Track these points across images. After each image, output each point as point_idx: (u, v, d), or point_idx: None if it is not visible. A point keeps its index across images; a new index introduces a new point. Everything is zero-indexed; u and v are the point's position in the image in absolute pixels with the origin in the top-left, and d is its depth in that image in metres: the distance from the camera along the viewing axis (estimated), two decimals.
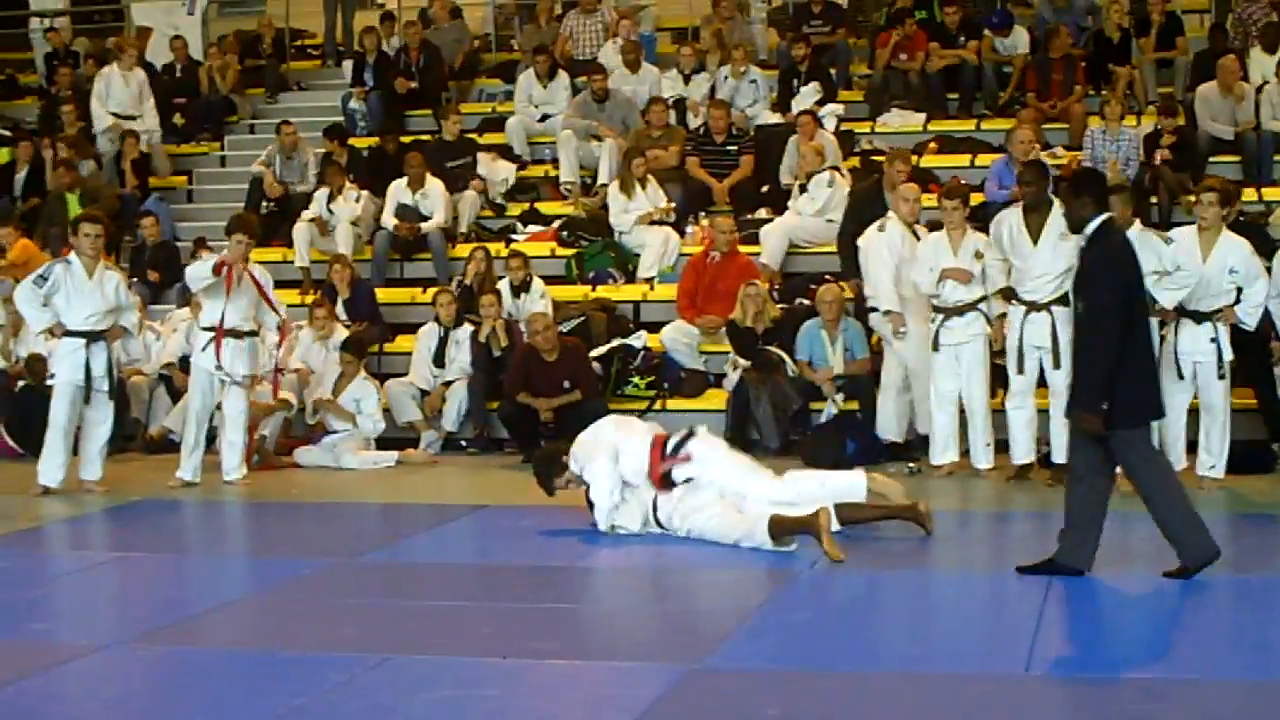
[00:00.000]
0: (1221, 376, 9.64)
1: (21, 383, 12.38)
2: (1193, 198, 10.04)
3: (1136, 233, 9.52)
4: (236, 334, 10.73)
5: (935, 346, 10.38)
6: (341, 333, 12.50)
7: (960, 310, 10.30)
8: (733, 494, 8.41)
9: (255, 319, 10.90)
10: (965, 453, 10.52)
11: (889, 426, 11.03)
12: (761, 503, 8.31)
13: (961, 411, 10.47)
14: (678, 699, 5.72)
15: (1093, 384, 7.19)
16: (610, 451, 8.63)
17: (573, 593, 7.59)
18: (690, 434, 8.63)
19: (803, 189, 13.33)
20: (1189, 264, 9.48)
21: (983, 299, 10.29)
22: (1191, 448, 9.90)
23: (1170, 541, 7.34)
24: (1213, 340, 9.63)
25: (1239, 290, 9.69)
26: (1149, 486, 7.39)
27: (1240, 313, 9.65)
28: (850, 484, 8.57)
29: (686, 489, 8.53)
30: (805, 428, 11.54)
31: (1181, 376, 9.71)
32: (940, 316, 10.35)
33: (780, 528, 8.05)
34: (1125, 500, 9.43)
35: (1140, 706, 5.62)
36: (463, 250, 13.78)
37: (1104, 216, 7.32)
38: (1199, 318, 9.63)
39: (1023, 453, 10.19)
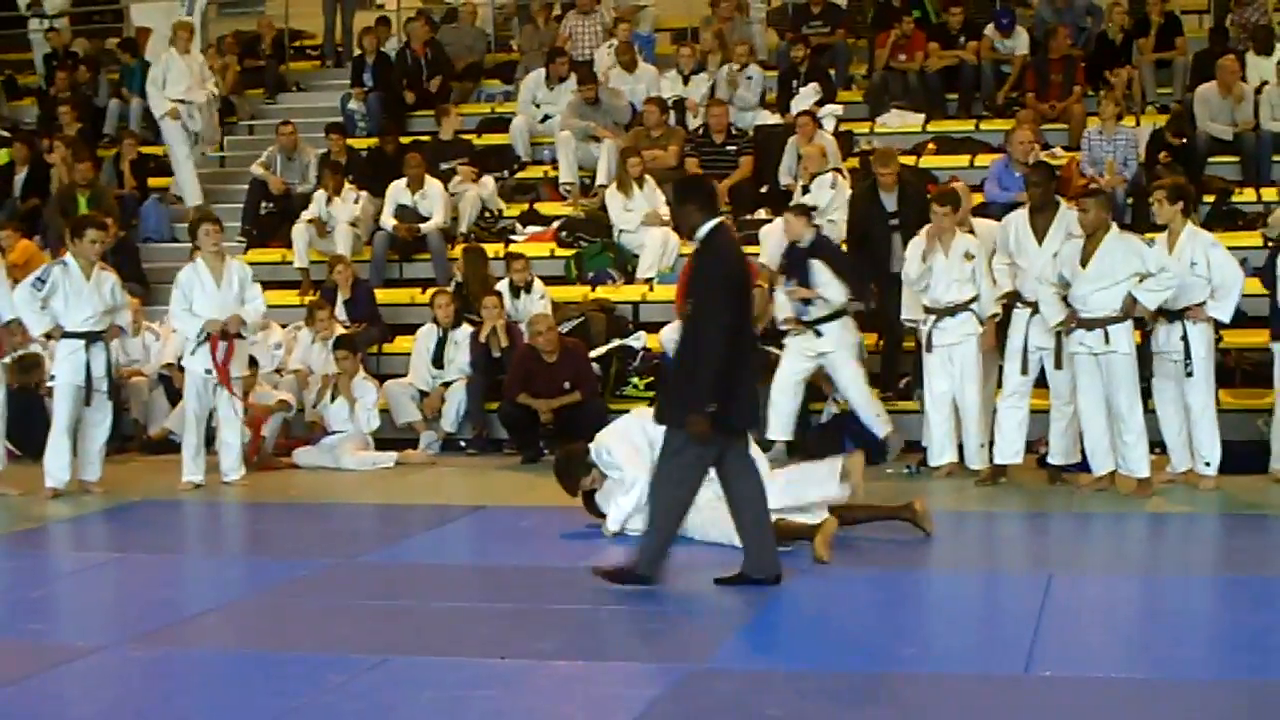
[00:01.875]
0: (1189, 374, 9.62)
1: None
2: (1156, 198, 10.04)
3: (1115, 236, 9.54)
4: (225, 335, 10.71)
5: (928, 347, 10.37)
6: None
7: (952, 310, 10.29)
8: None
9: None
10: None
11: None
12: None
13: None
14: (678, 699, 5.72)
15: (701, 386, 7.12)
16: (647, 462, 8.58)
17: (572, 593, 7.58)
18: None
19: (805, 190, 13.32)
20: (1172, 266, 9.48)
21: (975, 299, 10.28)
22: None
23: (744, 548, 7.36)
24: (1182, 339, 9.63)
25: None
26: (739, 495, 7.36)
27: (1210, 309, 9.63)
28: (828, 469, 8.43)
29: None
30: (805, 428, 11.52)
31: (1154, 375, 9.73)
32: (932, 317, 10.35)
33: (782, 532, 8.05)
34: (1122, 502, 9.50)
35: (1140, 706, 5.63)
36: (458, 251, 13.77)
37: (715, 221, 7.32)
38: (1170, 316, 9.64)
39: (1011, 453, 10.14)
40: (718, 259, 7.27)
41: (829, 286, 10.86)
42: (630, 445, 8.61)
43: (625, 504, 8.53)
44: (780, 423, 11.06)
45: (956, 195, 10.76)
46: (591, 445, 8.82)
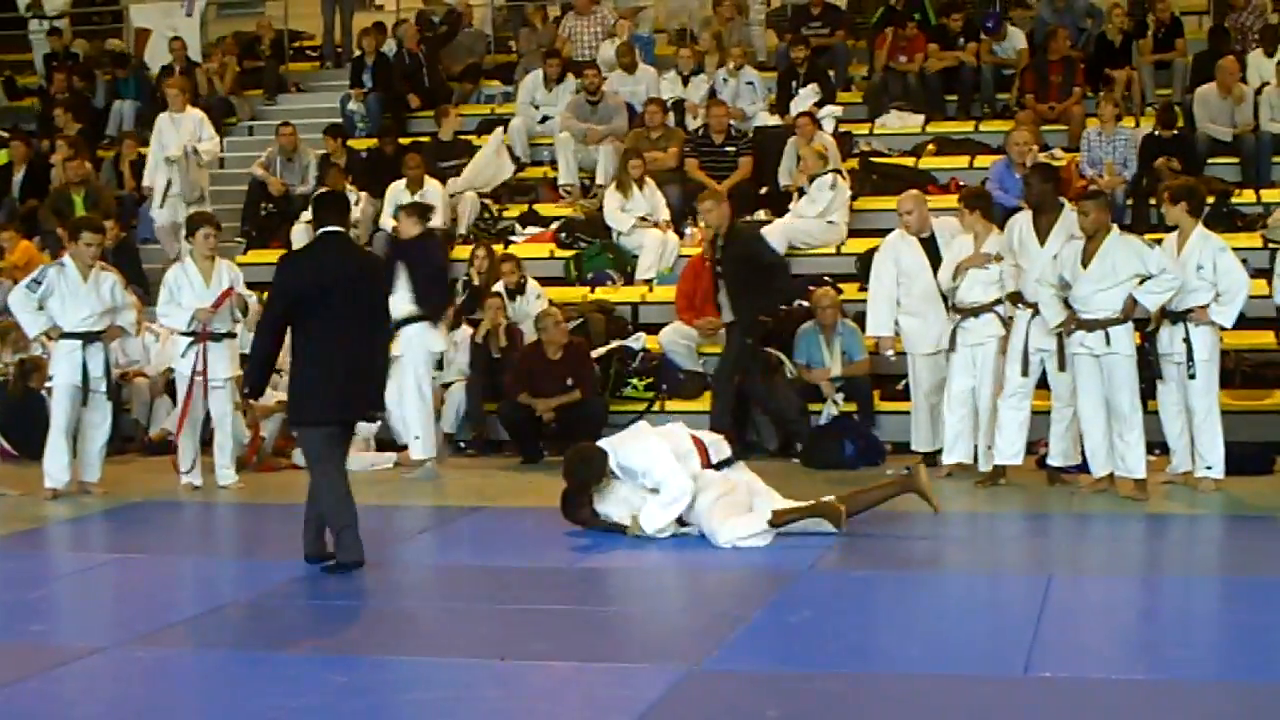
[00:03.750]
0: (1191, 376, 9.61)
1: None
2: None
3: (1116, 237, 9.54)
4: (215, 336, 10.69)
5: (953, 346, 10.35)
6: None
7: (977, 311, 10.25)
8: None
9: (233, 319, 10.84)
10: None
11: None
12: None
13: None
14: (677, 700, 5.72)
15: (248, 375, 8.18)
16: (690, 474, 8.51)
17: (571, 594, 7.59)
18: (730, 461, 8.77)
19: (803, 191, 13.33)
20: (1174, 268, 9.48)
21: (999, 301, 10.25)
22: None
23: (334, 536, 7.80)
24: (1185, 340, 9.63)
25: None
26: (316, 485, 7.87)
27: (1213, 313, 9.63)
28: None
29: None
30: (803, 430, 11.51)
31: (1161, 377, 9.73)
32: (958, 317, 10.33)
33: (784, 516, 8.17)
34: (1121, 503, 9.50)
35: (1140, 707, 5.63)
36: (462, 251, 13.77)
37: (325, 230, 8.02)
38: (1174, 318, 9.64)
39: (1011, 454, 10.10)
40: (292, 263, 8.24)
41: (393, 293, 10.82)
42: (673, 456, 8.50)
43: (667, 513, 8.39)
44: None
45: (985, 196, 10.78)
46: (618, 461, 8.64)
